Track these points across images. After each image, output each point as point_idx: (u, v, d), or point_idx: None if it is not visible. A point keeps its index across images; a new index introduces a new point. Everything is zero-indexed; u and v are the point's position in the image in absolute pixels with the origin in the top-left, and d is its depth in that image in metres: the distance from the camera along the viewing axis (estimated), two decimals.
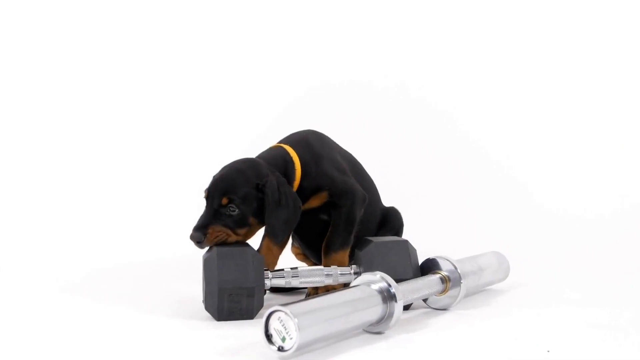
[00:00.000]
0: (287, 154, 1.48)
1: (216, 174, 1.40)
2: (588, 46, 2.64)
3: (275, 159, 1.46)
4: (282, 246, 1.54)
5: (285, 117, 2.54)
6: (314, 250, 1.59)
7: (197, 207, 1.39)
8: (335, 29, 2.76)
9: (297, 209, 1.39)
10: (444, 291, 1.38)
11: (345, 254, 1.47)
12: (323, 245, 1.48)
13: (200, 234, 1.33)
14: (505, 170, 2.59)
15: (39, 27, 2.65)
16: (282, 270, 1.37)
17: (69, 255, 2.14)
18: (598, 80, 2.63)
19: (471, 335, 1.21)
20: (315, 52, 2.76)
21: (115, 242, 2.29)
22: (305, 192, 1.47)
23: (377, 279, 1.21)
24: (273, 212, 1.36)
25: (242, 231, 1.36)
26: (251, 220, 1.36)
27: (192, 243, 1.35)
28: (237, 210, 1.34)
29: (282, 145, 1.52)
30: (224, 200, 1.34)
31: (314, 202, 1.49)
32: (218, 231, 1.34)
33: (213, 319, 1.30)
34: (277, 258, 1.52)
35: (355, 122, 2.62)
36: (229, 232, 1.35)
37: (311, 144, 1.54)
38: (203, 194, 1.38)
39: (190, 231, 1.34)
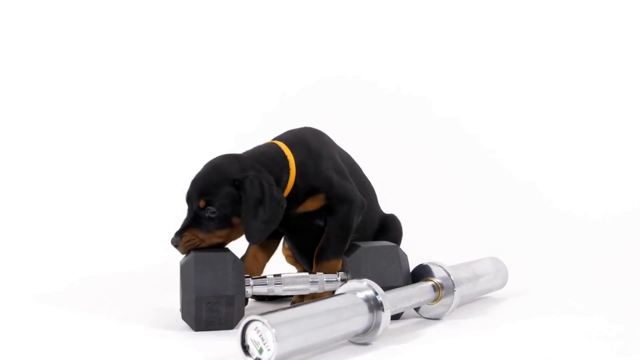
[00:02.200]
0: (281, 151, 1.39)
1: (194, 176, 1.33)
2: (597, 47, 2.60)
3: (263, 155, 1.37)
4: (269, 253, 1.47)
5: (279, 116, 2.46)
6: (307, 257, 1.50)
7: (179, 212, 1.33)
8: (335, 24, 2.72)
9: (279, 209, 1.31)
10: (436, 299, 1.31)
11: (338, 263, 1.38)
12: (315, 251, 1.40)
13: (177, 238, 1.27)
14: (507, 173, 2.54)
15: (21, 25, 2.60)
16: (265, 277, 1.30)
17: (44, 265, 2.06)
18: (597, 80, 2.59)
19: (465, 346, 1.15)
20: (311, 50, 2.71)
21: (94, 249, 2.22)
22: (300, 193, 1.38)
23: (363, 287, 1.15)
24: (251, 210, 1.27)
25: (223, 232, 1.29)
26: (234, 219, 1.29)
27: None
28: (216, 212, 1.27)
29: (275, 142, 1.44)
30: (202, 203, 1.27)
31: (310, 205, 1.40)
32: (191, 236, 1.27)
33: (191, 329, 1.23)
34: (263, 265, 1.45)
35: (350, 122, 2.56)
36: (205, 236, 1.28)
37: (309, 142, 1.45)
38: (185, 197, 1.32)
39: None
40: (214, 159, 1.34)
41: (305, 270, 1.51)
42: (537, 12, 2.63)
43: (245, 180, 1.27)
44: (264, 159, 1.36)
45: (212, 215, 1.27)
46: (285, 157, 1.38)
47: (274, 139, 1.46)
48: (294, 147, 1.40)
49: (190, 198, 1.30)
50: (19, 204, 2.43)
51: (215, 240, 1.29)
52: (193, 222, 1.28)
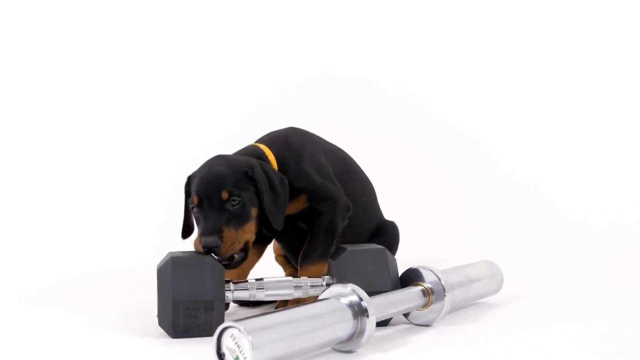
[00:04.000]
0: (262, 152, 1.38)
1: (200, 173, 1.28)
2: (608, 51, 2.56)
3: (247, 154, 1.36)
4: (256, 257, 1.46)
5: (267, 116, 2.43)
6: (296, 259, 1.47)
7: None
8: (327, 21, 2.68)
9: (285, 188, 1.31)
10: (426, 305, 1.26)
11: (323, 267, 1.34)
12: (300, 255, 1.36)
13: (217, 237, 1.20)
14: (505, 175, 2.51)
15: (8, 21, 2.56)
16: (246, 281, 1.25)
17: (19, 267, 2.03)
18: (598, 82, 2.55)
19: (456, 356, 1.09)
20: (305, 47, 2.68)
21: (68, 252, 2.17)
22: None
23: (347, 292, 1.10)
24: (268, 197, 1.26)
25: (250, 226, 1.26)
26: (252, 210, 1.26)
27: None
28: (240, 201, 1.23)
29: (256, 144, 1.42)
30: (225, 195, 1.23)
31: (292, 208, 1.36)
32: (233, 237, 1.22)
33: (168, 336, 1.18)
34: (248, 269, 1.43)
35: (345, 122, 2.53)
36: (239, 234, 1.24)
37: (290, 142, 1.43)
38: (193, 202, 1.25)
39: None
40: (209, 161, 1.30)
41: (296, 271, 1.47)
42: (540, 13, 2.60)
43: (254, 169, 1.27)
44: (250, 154, 1.36)
45: (236, 206, 1.23)
46: (266, 157, 1.37)
47: (256, 142, 1.45)
48: (273, 146, 1.39)
49: (207, 195, 1.23)
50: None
51: (247, 236, 1.26)
52: (220, 219, 1.22)
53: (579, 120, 2.54)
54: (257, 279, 1.25)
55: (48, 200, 2.41)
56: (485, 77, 2.62)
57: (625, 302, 1.53)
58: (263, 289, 1.24)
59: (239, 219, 1.24)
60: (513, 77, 2.61)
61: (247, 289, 1.23)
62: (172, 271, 1.16)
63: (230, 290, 1.22)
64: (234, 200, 1.23)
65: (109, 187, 2.45)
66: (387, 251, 1.29)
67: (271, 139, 1.44)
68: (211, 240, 1.20)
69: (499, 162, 2.52)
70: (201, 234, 1.22)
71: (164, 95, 2.60)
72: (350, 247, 1.29)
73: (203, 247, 1.21)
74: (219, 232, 1.20)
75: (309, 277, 1.29)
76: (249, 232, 1.26)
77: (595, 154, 2.50)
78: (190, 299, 1.15)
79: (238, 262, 1.25)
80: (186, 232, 1.35)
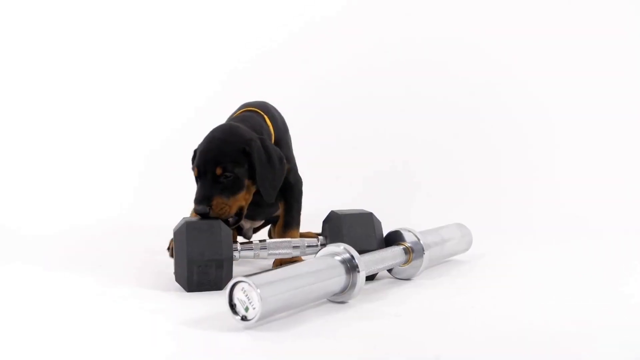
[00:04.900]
0: (262, 119, 1.52)
1: (201, 147, 1.40)
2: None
3: (249, 120, 1.49)
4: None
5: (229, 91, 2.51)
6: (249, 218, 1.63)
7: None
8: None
9: (283, 166, 1.44)
10: (407, 262, 1.42)
11: (298, 232, 1.55)
12: (280, 223, 1.53)
13: (205, 206, 1.35)
14: (484, 145, 2.59)
15: None
16: (251, 242, 1.40)
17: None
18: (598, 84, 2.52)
19: (432, 305, 1.25)
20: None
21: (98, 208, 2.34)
22: None
23: (340, 251, 1.25)
24: (262, 172, 1.39)
25: (240, 195, 1.39)
26: (247, 182, 1.40)
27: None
28: (232, 175, 1.37)
29: (254, 109, 1.55)
30: (219, 171, 1.36)
31: None
32: (222, 203, 1.36)
33: (183, 290, 1.33)
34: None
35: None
36: (230, 201, 1.37)
37: (276, 116, 1.58)
38: (193, 172, 1.40)
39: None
40: (215, 131, 1.42)
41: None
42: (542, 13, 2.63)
43: (252, 144, 1.39)
44: (252, 124, 1.47)
45: (230, 179, 1.37)
46: (267, 125, 1.51)
47: (246, 107, 1.56)
48: (268, 117, 1.54)
49: (205, 167, 1.37)
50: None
51: (239, 203, 1.39)
52: (213, 189, 1.36)
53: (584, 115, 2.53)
54: (260, 240, 1.41)
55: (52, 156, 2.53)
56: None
57: (577, 257, 1.71)
58: (266, 248, 1.40)
59: (232, 189, 1.38)
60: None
61: (252, 249, 1.39)
62: (186, 234, 1.30)
63: (237, 250, 1.37)
64: (227, 175, 1.37)
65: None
66: (374, 215, 1.45)
67: (263, 110, 1.56)
68: (200, 208, 1.35)
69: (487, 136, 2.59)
70: (194, 201, 1.37)
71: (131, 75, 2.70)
72: (341, 212, 1.44)
73: (194, 212, 1.37)
74: (208, 200, 1.35)
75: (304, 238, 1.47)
76: (242, 199, 1.40)
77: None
78: (203, 259, 1.30)
79: (233, 224, 1.40)
80: None
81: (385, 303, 1.25)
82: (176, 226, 1.35)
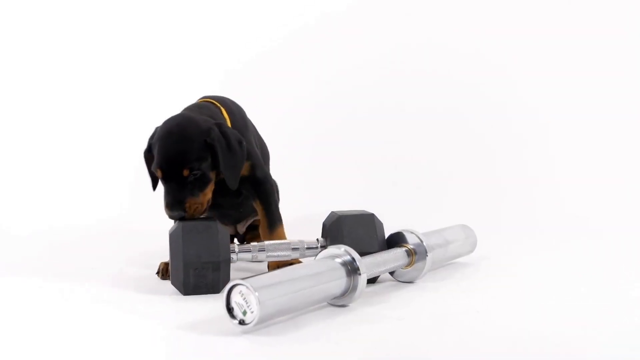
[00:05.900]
0: (217, 108, 1.47)
1: (159, 144, 1.34)
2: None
3: (204, 110, 1.44)
4: None
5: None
6: (227, 219, 1.60)
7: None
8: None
9: (243, 149, 1.39)
10: (409, 264, 1.39)
11: (283, 228, 1.49)
12: (263, 224, 1.47)
13: (180, 210, 1.32)
14: (486, 146, 2.57)
15: None
16: (249, 244, 1.37)
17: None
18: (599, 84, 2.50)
19: (436, 309, 1.22)
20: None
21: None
22: None
23: (341, 253, 1.22)
24: (225, 160, 1.35)
25: (209, 188, 1.36)
26: (211, 174, 1.36)
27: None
28: (199, 172, 1.33)
29: (208, 100, 1.50)
30: (186, 172, 1.32)
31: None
32: (195, 203, 1.33)
33: (179, 293, 1.30)
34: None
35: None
36: (201, 199, 1.34)
37: (233, 109, 1.53)
38: (155, 172, 1.35)
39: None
40: (171, 123, 1.36)
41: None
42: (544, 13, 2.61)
43: (212, 134, 1.34)
44: (208, 114, 1.42)
45: (197, 176, 1.33)
46: (222, 115, 1.46)
47: (203, 99, 1.52)
48: (225, 109, 1.48)
49: (169, 169, 1.32)
50: None
51: (208, 196, 1.36)
52: (182, 191, 1.33)
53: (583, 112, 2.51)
54: (258, 242, 1.38)
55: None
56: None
57: (584, 263, 1.67)
58: (264, 250, 1.36)
59: (200, 186, 1.34)
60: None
61: (250, 251, 1.35)
62: (182, 236, 1.27)
63: (235, 252, 1.34)
64: (194, 173, 1.33)
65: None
66: (375, 216, 1.42)
67: (218, 100, 1.51)
68: (176, 214, 1.32)
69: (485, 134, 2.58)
70: (166, 206, 1.33)
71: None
72: (342, 213, 1.41)
73: (170, 218, 1.33)
74: (181, 204, 1.32)
75: (303, 240, 1.41)
76: (209, 192, 1.37)
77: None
78: (199, 261, 1.27)
79: (198, 215, 1.37)
80: (154, 186, 1.46)
81: (387, 306, 1.22)
82: (171, 228, 1.32)
